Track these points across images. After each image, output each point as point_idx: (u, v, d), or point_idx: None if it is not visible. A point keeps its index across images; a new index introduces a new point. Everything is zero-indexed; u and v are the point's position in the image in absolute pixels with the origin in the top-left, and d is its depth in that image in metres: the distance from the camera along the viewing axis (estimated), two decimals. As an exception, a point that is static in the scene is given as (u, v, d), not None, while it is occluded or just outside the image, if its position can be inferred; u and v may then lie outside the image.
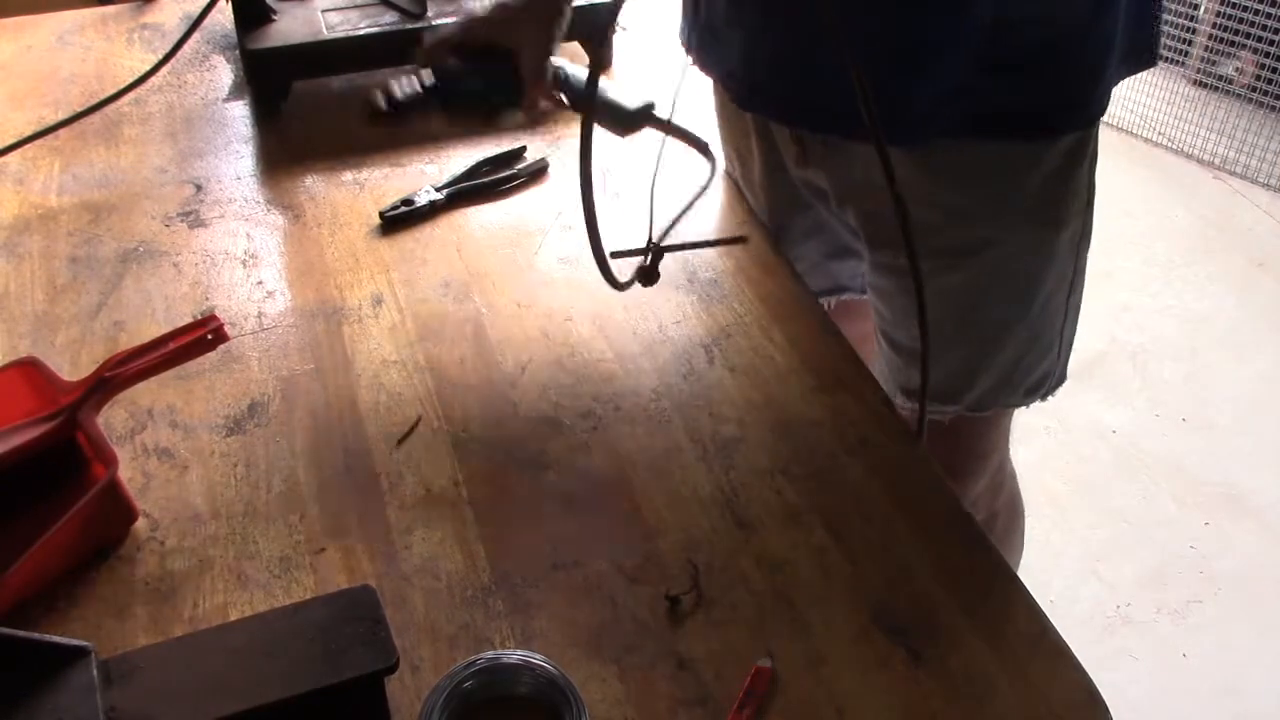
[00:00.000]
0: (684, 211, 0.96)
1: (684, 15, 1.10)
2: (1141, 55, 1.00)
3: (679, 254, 1.04)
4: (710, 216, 1.14)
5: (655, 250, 0.90)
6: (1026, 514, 1.45)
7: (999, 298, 1.06)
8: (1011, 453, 1.30)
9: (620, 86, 1.01)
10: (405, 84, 0.96)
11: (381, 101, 0.95)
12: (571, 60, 1.02)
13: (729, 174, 1.22)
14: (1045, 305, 1.08)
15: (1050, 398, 1.17)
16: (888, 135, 0.85)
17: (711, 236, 1.08)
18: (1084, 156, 1.00)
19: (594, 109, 0.81)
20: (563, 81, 1.02)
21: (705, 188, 0.97)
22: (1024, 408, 1.17)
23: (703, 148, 0.99)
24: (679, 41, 1.13)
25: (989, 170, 0.98)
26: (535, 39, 1.00)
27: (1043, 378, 1.15)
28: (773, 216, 1.19)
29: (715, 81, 1.14)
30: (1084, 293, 1.12)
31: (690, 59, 1.10)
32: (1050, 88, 0.94)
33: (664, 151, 0.92)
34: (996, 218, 1.01)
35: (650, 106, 1.00)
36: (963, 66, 0.92)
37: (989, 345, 1.09)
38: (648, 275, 0.91)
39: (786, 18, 0.95)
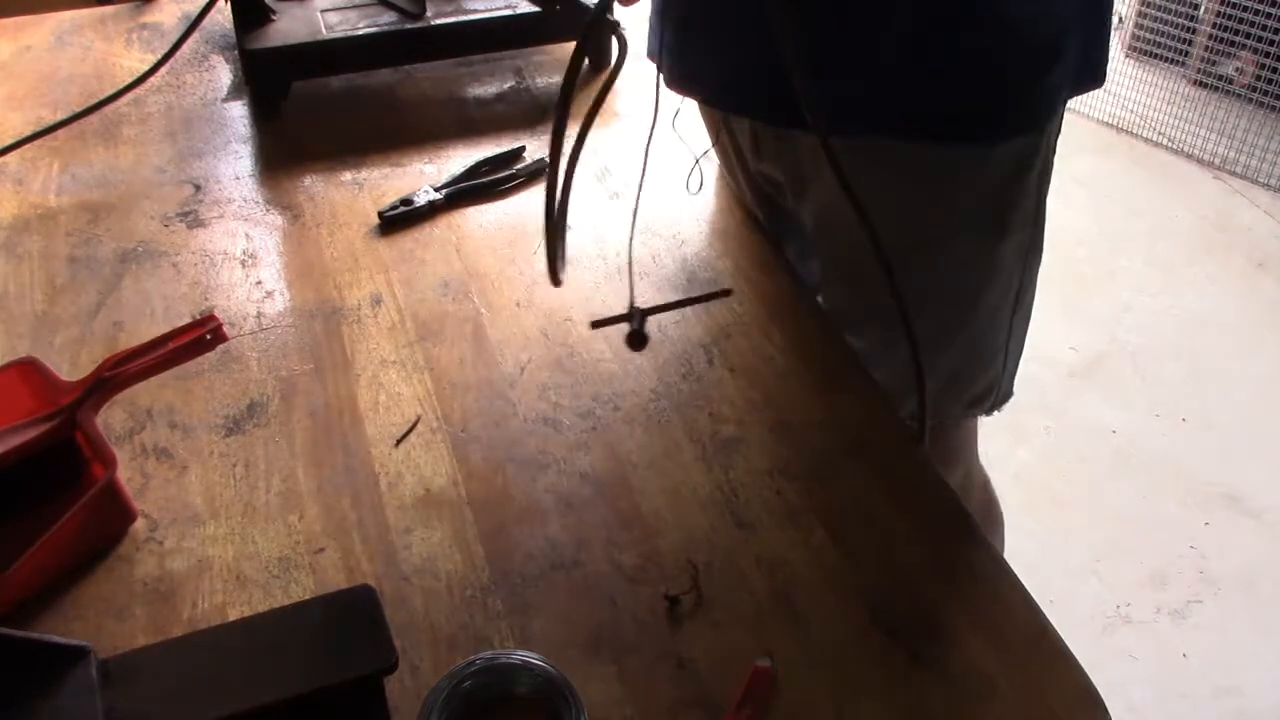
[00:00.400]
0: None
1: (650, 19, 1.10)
2: (1092, 74, 0.99)
3: (679, 254, 1.04)
4: (704, 216, 1.14)
5: (640, 315, 0.87)
6: (1028, 513, 1.45)
7: (937, 305, 1.04)
8: (1011, 453, 1.30)
9: None
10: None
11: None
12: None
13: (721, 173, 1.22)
14: (989, 317, 1.07)
15: (996, 413, 1.16)
16: (819, 122, 0.84)
17: (703, 259, 1.07)
18: (1031, 169, 0.99)
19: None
20: None
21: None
22: (977, 418, 1.16)
23: (721, 294, 0.97)
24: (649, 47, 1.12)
25: (933, 172, 0.97)
26: None
27: (985, 390, 1.13)
28: (756, 203, 1.19)
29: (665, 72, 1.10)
30: (1033, 307, 1.11)
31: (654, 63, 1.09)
32: (991, 92, 0.93)
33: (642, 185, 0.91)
34: (939, 222, 1.00)
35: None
36: (898, 60, 0.90)
37: (929, 353, 1.08)
38: (637, 340, 0.88)
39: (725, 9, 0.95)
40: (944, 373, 1.10)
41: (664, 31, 1.04)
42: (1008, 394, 1.16)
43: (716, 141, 1.18)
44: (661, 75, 1.04)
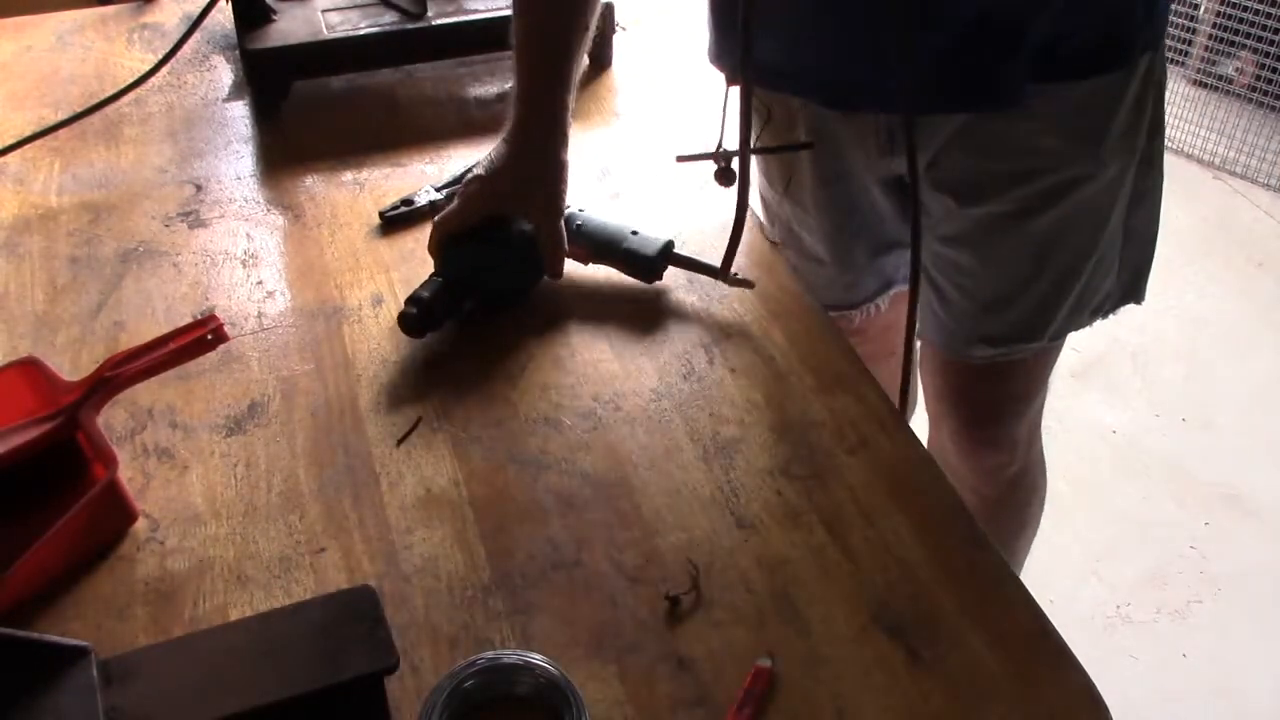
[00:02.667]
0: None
1: (726, 38, 1.09)
2: None
3: (678, 256, 1.04)
4: (704, 216, 1.14)
5: (726, 155, 0.97)
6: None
7: (1077, 234, 1.09)
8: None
9: (640, 231, 1.03)
10: (431, 287, 0.96)
11: (412, 310, 0.94)
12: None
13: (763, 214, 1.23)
14: (1112, 232, 1.11)
15: (1111, 315, 1.19)
16: (990, 103, 0.97)
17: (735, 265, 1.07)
18: (1152, 81, 1.04)
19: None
20: (576, 232, 1.03)
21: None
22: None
23: (736, 281, 1.01)
24: (723, 67, 1.11)
25: (1081, 109, 1.02)
26: (547, 208, 0.99)
27: (1105, 298, 1.17)
28: (825, 228, 1.20)
29: (787, 95, 1.11)
30: (1159, 219, 1.15)
31: (738, 80, 1.05)
32: (1120, 15, 0.98)
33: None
34: (1089, 156, 1.04)
35: (669, 245, 1.02)
36: (1042, 26, 0.95)
37: (1067, 280, 1.12)
38: (724, 176, 0.99)
39: (872, 11, 0.97)
40: (1079, 293, 1.13)
41: (812, 53, 1.05)
42: (1126, 298, 1.19)
43: (781, 173, 1.20)
44: (824, 99, 1.07)
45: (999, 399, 1.24)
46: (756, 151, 1.02)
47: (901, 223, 1.17)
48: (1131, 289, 1.18)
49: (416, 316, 0.94)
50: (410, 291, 0.97)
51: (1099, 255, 1.11)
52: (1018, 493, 1.36)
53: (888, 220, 1.18)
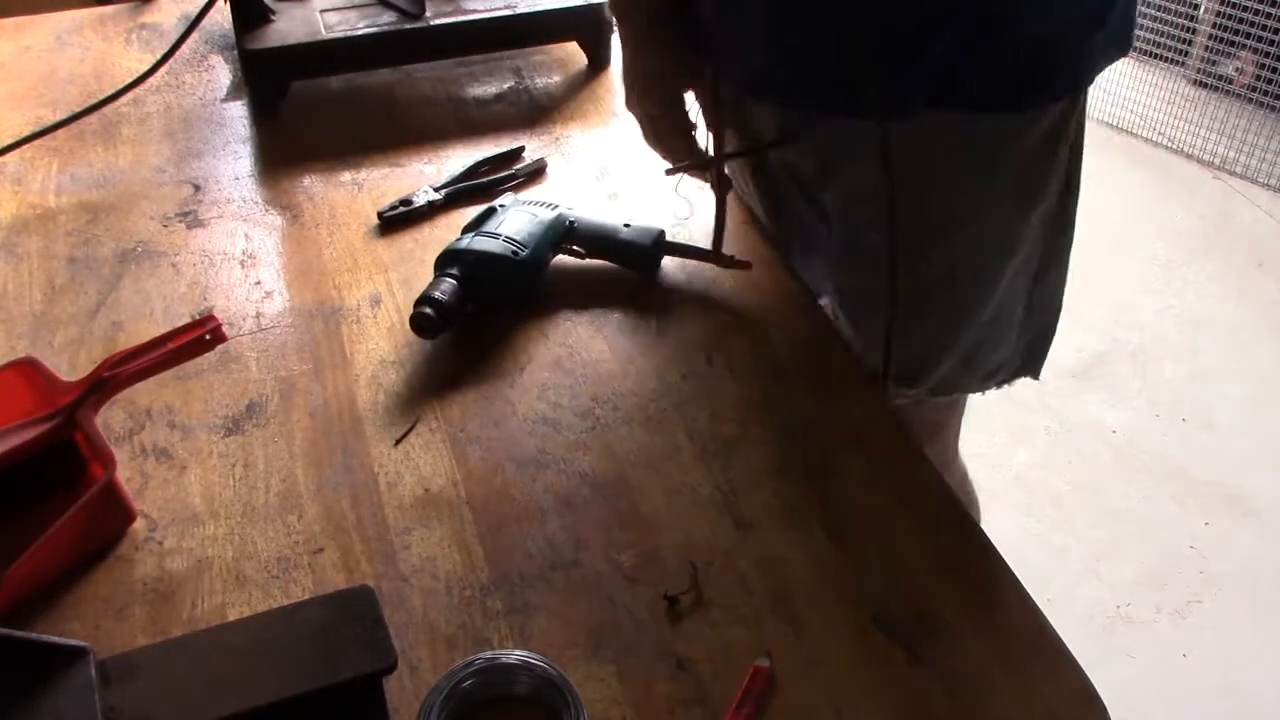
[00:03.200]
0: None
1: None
2: (1127, 39, 1.00)
3: (672, 244, 1.05)
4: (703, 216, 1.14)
5: (714, 160, 0.98)
6: (1028, 513, 1.45)
7: (965, 279, 1.04)
8: (1011, 453, 1.30)
9: (632, 224, 1.04)
10: (444, 288, 0.96)
11: (429, 310, 0.94)
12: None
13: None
14: (1008, 289, 1.06)
15: (1006, 386, 1.15)
16: (882, 111, 0.89)
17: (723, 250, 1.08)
18: (1064, 137, 0.99)
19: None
20: (570, 230, 1.04)
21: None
22: (979, 394, 1.16)
23: (731, 263, 1.02)
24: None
25: (972, 144, 0.97)
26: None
27: (999, 366, 1.13)
28: (770, 220, 1.19)
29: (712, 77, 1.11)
30: (1064, 291, 1.10)
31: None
32: (1038, 60, 0.93)
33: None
34: (973, 194, 0.99)
35: (662, 235, 1.04)
36: (952, 41, 0.91)
37: (951, 327, 1.07)
38: (720, 183, 1.00)
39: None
40: (965, 345, 1.09)
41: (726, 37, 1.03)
42: (1024, 370, 1.14)
43: (723, 140, 1.18)
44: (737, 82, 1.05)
45: None
46: (729, 157, 1.04)
47: (821, 220, 1.14)
48: (1029, 361, 1.13)
49: (432, 318, 0.94)
50: (409, 291, 0.97)
51: (989, 313, 1.06)
52: None
53: (806, 218, 1.15)
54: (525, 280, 1.00)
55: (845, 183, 1.04)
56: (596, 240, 1.04)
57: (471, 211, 1.12)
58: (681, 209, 1.10)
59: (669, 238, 1.05)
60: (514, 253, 0.98)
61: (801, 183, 1.10)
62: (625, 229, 1.04)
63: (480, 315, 1.00)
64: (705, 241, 1.07)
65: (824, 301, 1.23)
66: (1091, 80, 0.98)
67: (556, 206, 1.05)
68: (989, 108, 0.94)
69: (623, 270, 1.05)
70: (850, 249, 1.08)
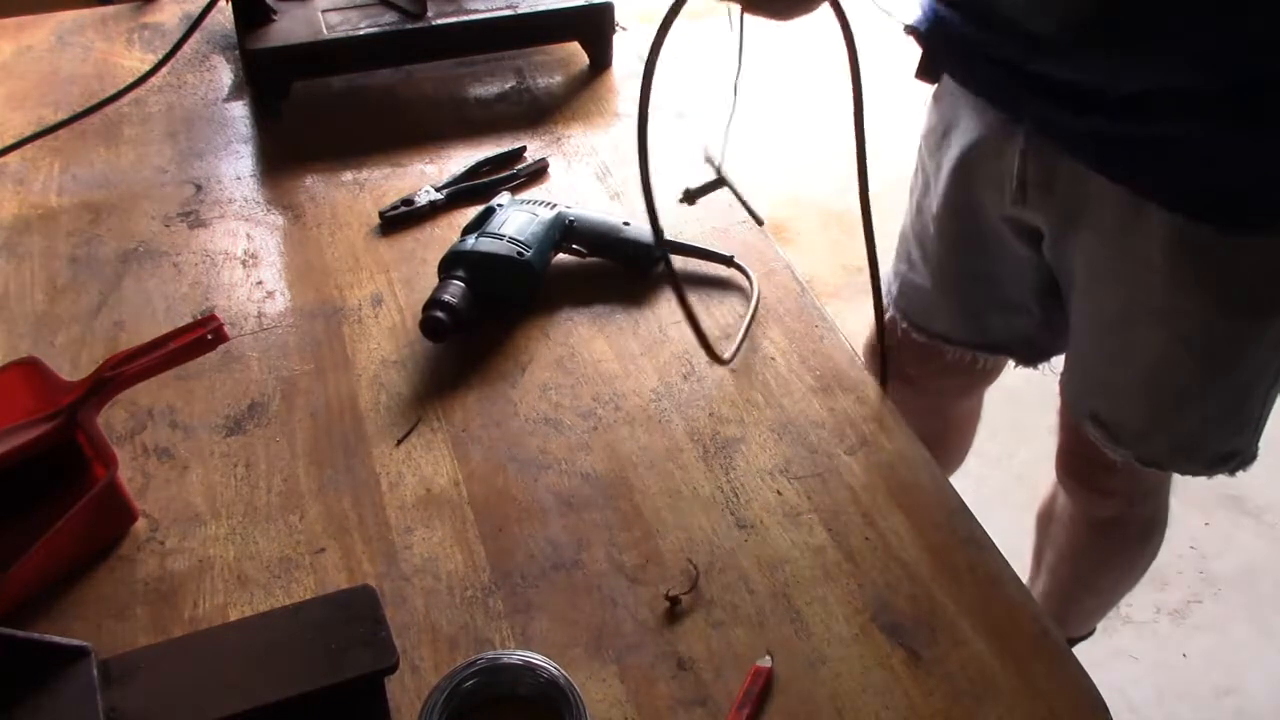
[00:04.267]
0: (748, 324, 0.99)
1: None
2: None
3: (671, 242, 1.05)
4: (704, 217, 1.14)
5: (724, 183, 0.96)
6: (1028, 512, 1.46)
7: (1186, 369, 1.04)
8: (1012, 452, 1.30)
9: (632, 223, 1.04)
10: (454, 290, 0.96)
11: (441, 314, 0.94)
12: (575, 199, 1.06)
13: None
14: (1244, 388, 1.06)
15: (1240, 473, 1.14)
16: (1154, 186, 0.91)
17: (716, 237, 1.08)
18: None
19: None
20: (571, 230, 1.04)
21: (754, 308, 1.00)
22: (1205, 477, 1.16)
23: (726, 261, 1.02)
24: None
25: (1202, 249, 0.96)
26: None
27: (1230, 454, 1.12)
28: (943, 254, 1.18)
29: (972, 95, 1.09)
30: None
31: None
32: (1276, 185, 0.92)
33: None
34: (1199, 291, 0.98)
35: (661, 233, 1.01)
36: (1197, 145, 0.90)
37: (1169, 412, 1.08)
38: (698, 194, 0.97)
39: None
40: (1187, 433, 1.10)
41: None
42: (1253, 456, 1.14)
43: (929, 171, 1.18)
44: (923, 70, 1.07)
45: (1097, 461, 1.20)
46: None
47: (1025, 287, 1.14)
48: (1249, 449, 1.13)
49: (444, 321, 0.94)
50: (410, 291, 0.97)
51: (1218, 407, 1.07)
52: (1106, 538, 1.34)
53: (1015, 275, 1.15)
54: (529, 280, 1.00)
55: (1084, 247, 1.03)
56: (597, 239, 1.04)
57: (473, 211, 1.13)
58: (714, 151, 1.09)
59: (672, 236, 1.05)
60: (518, 253, 0.98)
61: (1031, 240, 1.09)
62: (626, 228, 1.04)
63: (481, 314, 1.00)
64: (710, 246, 1.07)
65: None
66: None
67: (555, 205, 1.05)
68: (1223, 222, 0.93)
69: (623, 269, 1.05)
70: (1086, 319, 1.08)
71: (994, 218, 1.10)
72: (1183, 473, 1.15)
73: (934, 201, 1.15)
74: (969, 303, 1.21)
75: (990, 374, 1.32)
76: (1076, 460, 1.26)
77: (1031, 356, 1.26)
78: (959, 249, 1.17)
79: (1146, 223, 0.96)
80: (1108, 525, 1.31)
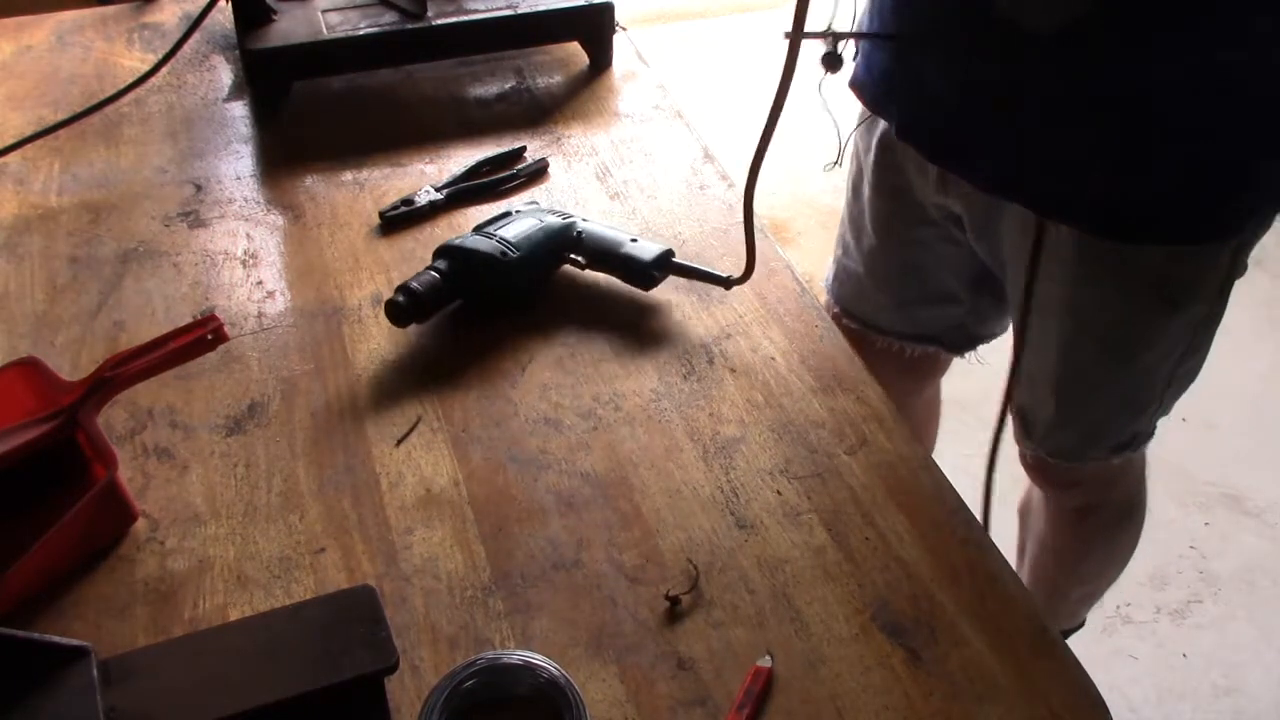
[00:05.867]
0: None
1: (863, 56, 1.11)
2: None
3: (680, 255, 1.04)
4: (704, 217, 1.14)
5: (835, 36, 0.99)
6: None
7: (1090, 360, 1.06)
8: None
9: (639, 239, 1.03)
10: (424, 279, 0.96)
11: (401, 298, 0.94)
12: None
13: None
14: (1146, 375, 1.08)
15: (1135, 452, 1.18)
16: (1059, 213, 0.95)
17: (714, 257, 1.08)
18: (1224, 249, 0.99)
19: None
20: (576, 240, 1.04)
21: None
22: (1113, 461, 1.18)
23: (724, 282, 1.01)
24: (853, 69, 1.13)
25: (1108, 258, 0.98)
26: None
27: (1132, 437, 1.15)
28: (876, 243, 1.20)
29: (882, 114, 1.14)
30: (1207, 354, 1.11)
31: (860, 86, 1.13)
32: (1179, 203, 0.94)
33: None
34: (1102, 287, 1.01)
35: (667, 254, 1.03)
36: (1097, 164, 0.93)
37: (1074, 403, 1.10)
38: (831, 61, 1.02)
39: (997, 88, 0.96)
40: (1091, 422, 1.12)
41: (877, 58, 1.07)
42: (1150, 435, 1.17)
43: (862, 159, 1.20)
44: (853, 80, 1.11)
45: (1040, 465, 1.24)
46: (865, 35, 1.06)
47: (955, 276, 1.16)
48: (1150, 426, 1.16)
49: (404, 306, 0.94)
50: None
51: (1122, 392, 1.09)
52: (1083, 526, 1.35)
53: (943, 266, 1.17)
54: (513, 282, 1.00)
55: (993, 243, 1.07)
56: (599, 253, 1.03)
57: (475, 211, 1.13)
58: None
59: (677, 254, 1.04)
60: (503, 254, 0.98)
61: (955, 225, 1.12)
62: (631, 244, 1.03)
63: (472, 314, 1.00)
64: (710, 247, 1.07)
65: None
66: (1240, 233, 0.98)
67: (570, 217, 1.05)
68: (1127, 238, 0.96)
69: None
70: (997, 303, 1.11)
71: (923, 201, 1.12)
72: (1087, 459, 1.17)
73: (867, 186, 1.17)
74: (899, 294, 1.24)
75: (921, 365, 1.33)
76: (1028, 458, 1.28)
77: (959, 344, 1.28)
78: (892, 234, 1.19)
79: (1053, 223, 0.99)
80: (1082, 513, 1.33)
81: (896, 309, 1.25)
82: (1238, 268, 1.03)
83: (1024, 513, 1.44)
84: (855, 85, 1.14)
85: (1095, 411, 1.12)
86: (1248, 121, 0.90)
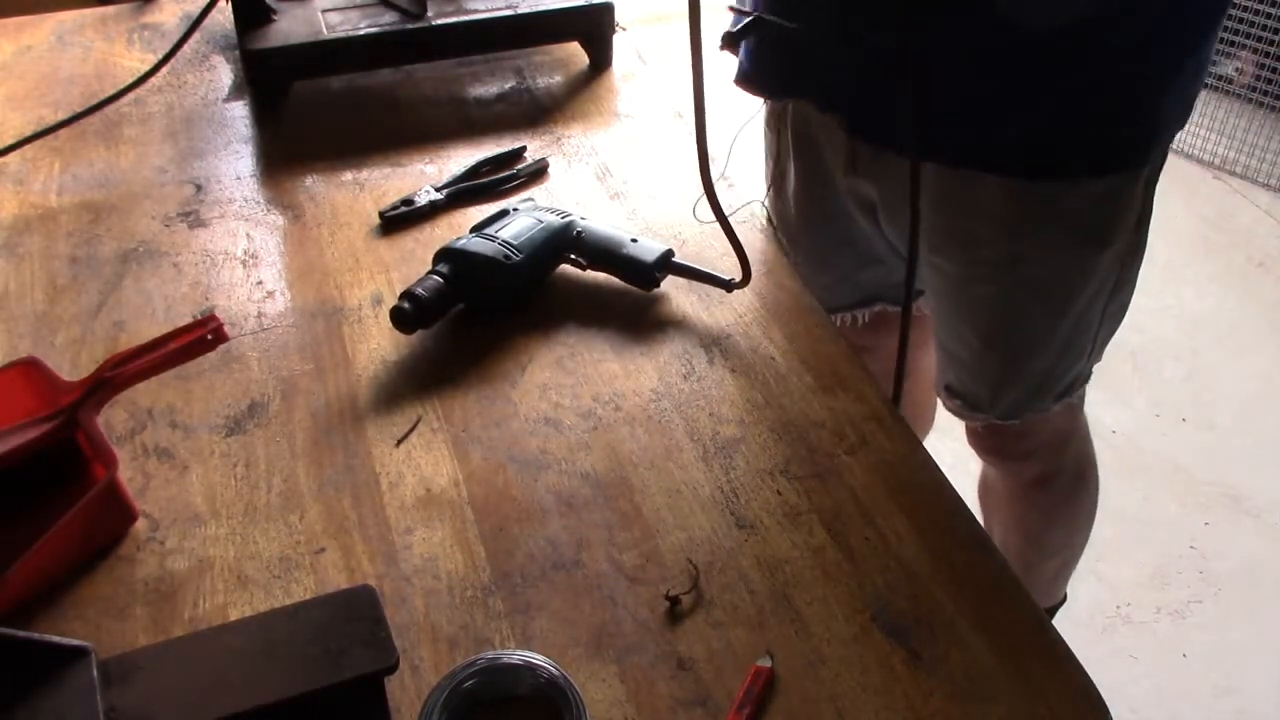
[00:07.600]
0: None
1: (748, 35, 1.10)
2: (1186, 113, 1.03)
3: (680, 254, 1.04)
4: (704, 217, 1.14)
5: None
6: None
7: (1031, 313, 1.08)
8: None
9: (640, 240, 1.03)
10: (428, 284, 0.96)
11: (407, 305, 0.94)
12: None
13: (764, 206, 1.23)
14: (1080, 317, 1.09)
15: (1074, 397, 1.19)
16: (982, 163, 0.95)
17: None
18: (1131, 195, 1.02)
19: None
20: (577, 239, 1.04)
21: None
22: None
23: (725, 284, 1.02)
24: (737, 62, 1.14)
25: (1029, 199, 1.00)
26: None
27: (1072, 381, 1.17)
28: (805, 230, 1.21)
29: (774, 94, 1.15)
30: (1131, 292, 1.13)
31: (747, 73, 1.13)
32: (1086, 134, 0.97)
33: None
34: (1036, 235, 1.02)
35: (668, 254, 1.03)
36: (1001, 102, 0.94)
37: (1020, 359, 1.11)
38: (730, 41, 1.04)
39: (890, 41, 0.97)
40: (1036, 374, 1.13)
41: (759, 36, 1.07)
42: (1088, 376, 1.19)
43: (776, 162, 1.20)
44: (745, 76, 1.11)
45: (998, 431, 1.24)
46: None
47: (887, 245, 1.17)
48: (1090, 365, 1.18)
49: (410, 313, 0.94)
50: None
51: (1061, 341, 1.10)
52: (1042, 496, 1.37)
53: (869, 235, 1.18)
54: (515, 285, 1.00)
55: (903, 224, 1.07)
56: (599, 253, 1.03)
57: (475, 211, 1.13)
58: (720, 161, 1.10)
59: (677, 254, 1.04)
60: (506, 257, 0.98)
61: (868, 210, 1.13)
62: (632, 244, 1.03)
63: (475, 316, 1.00)
64: (710, 248, 1.07)
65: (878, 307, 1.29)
66: (1149, 156, 1.00)
67: (569, 215, 1.05)
68: (1036, 175, 0.98)
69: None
70: (929, 270, 1.12)
71: (842, 185, 1.14)
72: (1034, 412, 1.18)
73: (790, 179, 1.18)
74: (838, 269, 1.25)
75: (877, 323, 1.34)
76: (979, 437, 1.29)
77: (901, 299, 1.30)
78: (820, 216, 1.20)
79: (977, 182, 1.00)
80: (1038, 483, 1.35)
81: (839, 284, 1.27)
82: (1150, 201, 1.05)
83: (983, 495, 1.46)
84: (747, 81, 1.14)
85: (1039, 362, 1.13)
86: (1152, 55, 0.94)
